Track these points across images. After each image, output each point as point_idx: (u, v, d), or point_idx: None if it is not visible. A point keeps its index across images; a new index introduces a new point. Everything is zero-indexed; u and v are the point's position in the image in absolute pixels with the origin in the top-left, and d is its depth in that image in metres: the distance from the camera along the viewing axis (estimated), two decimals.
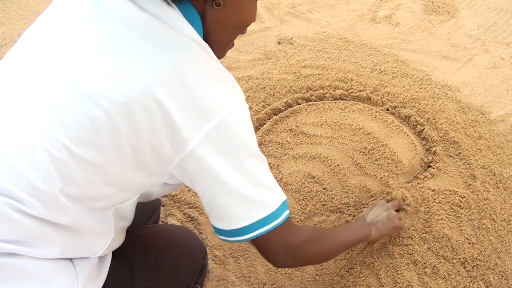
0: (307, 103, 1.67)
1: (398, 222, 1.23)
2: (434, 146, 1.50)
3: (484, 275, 1.22)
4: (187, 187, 1.43)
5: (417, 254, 1.25)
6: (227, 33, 0.75)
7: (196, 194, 1.42)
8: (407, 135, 1.56)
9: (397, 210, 1.29)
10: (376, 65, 1.85)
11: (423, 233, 1.30)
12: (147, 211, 1.16)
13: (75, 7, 0.70)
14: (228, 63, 1.88)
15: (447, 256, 1.25)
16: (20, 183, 0.64)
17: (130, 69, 0.64)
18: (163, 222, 1.36)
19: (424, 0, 2.21)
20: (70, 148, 0.64)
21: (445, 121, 1.59)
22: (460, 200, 1.37)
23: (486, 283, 1.21)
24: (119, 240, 0.82)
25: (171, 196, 1.42)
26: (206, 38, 0.73)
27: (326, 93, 1.70)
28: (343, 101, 1.68)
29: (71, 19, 0.69)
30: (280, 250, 0.80)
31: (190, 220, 1.36)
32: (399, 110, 1.63)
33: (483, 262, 1.24)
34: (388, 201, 1.31)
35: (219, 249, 1.30)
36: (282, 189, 1.38)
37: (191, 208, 1.39)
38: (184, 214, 1.38)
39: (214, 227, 0.77)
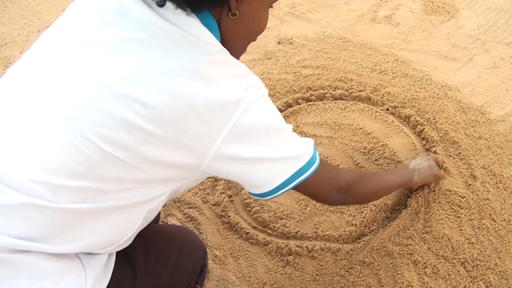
0: (307, 103, 1.67)
1: (438, 171, 1.32)
2: (434, 146, 1.50)
3: (484, 275, 1.22)
4: None
5: (417, 254, 1.25)
6: (241, 41, 0.81)
7: (196, 194, 1.43)
8: (407, 135, 1.56)
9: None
10: (376, 65, 1.85)
11: (423, 233, 1.30)
12: None
13: (94, 12, 0.72)
14: None
15: (447, 256, 1.25)
16: (48, 180, 0.66)
17: (155, 73, 0.67)
18: (163, 222, 1.36)
19: (424, 0, 2.21)
20: (102, 147, 0.67)
21: (445, 121, 1.59)
22: (460, 200, 1.37)
23: (486, 283, 1.21)
24: (130, 241, 0.83)
25: None
26: (222, 45, 0.76)
27: (326, 93, 1.70)
28: (343, 101, 1.68)
29: (91, 24, 0.71)
30: (332, 187, 0.89)
31: (190, 220, 1.36)
32: (399, 110, 1.63)
33: (483, 262, 1.24)
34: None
35: (219, 249, 1.30)
36: None
37: (191, 208, 1.39)
38: (184, 214, 1.38)
39: (254, 194, 0.82)
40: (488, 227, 1.31)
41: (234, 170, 0.75)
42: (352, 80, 1.76)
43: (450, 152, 1.50)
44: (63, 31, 0.74)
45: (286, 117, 1.62)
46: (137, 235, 0.84)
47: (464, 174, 1.44)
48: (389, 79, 1.78)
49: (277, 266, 1.26)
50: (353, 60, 1.88)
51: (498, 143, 1.54)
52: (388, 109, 1.64)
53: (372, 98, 1.67)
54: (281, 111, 1.65)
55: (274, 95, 1.71)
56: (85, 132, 0.66)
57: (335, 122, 1.60)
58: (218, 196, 1.40)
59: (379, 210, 1.35)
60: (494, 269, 1.24)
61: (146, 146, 0.68)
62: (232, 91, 0.70)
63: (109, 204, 0.71)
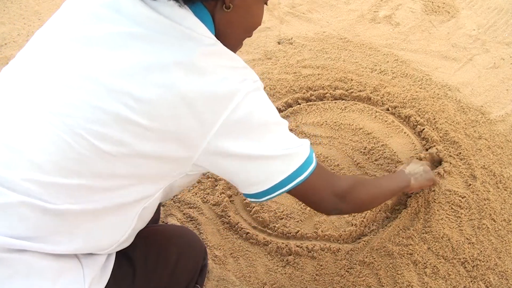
0: (307, 103, 1.67)
1: (433, 176, 1.32)
2: (434, 146, 1.50)
3: (484, 275, 1.22)
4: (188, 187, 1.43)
5: (417, 254, 1.25)
6: (235, 35, 0.79)
7: (196, 194, 1.43)
8: (407, 135, 1.56)
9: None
10: (376, 65, 1.85)
11: (423, 233, 1.30)
12: None
13: (88, 8, 0.72)
14: None
15: (447, 256, 1.25)
16: (41, 179, 0.66)
17: (149, 67, 0.66)
18: (163, 222, 1.36)
19: (424, 0, 2.21)
20: (94, 143, 0.66)
21: (445, 121, 1.59)
22: (460, 200, 1.37)
23: (486, 283, 1.21)
24: (129, 242, 0.83)
25: None
26: (216, 38, 0.76)
27: (326, 93, 1.70)
28: (343, 101, 1.68)
29: (85, 20, 0.71)
30: (329, 194, 0.85)
31: (190, 220, 1.36)
32: (399, 110, 1.63)
33: (483, 262, 1.24)
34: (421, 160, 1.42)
35: (219, 249, 1.30)
36: None
37: (191, 208, 1.39)
38: (184, 214, 1.38)
39: (248, 195, 0.79)
40: (488, 227, 1.31)
41: (226, 165, 0.74)
42: (352, 80, 1.76)
43: (450, 152, 1.50)
44: (56, 28, 0.73)
45: (286, 117, 1.62)
46: (137, 235, 0.84)
47: (464, 174, 1.44)
48: (389, 79, 1.78)
49: (277, 266, 1.26)
50: (353, 60, 1.88)
51: (498, 143, 1.54)
52: (388, 109, 1.65)
53: (372, 98, 1.67)
54: (281, 111, 1.65)
55: (274, 95, 1.71)
56: (76, 128, 0.66)
57: (335, 122, 1.60)
58: (218, 196, 1.40)
59: (379, 210, 1.36)
60: (494, 269, 1.24)
61: (138, 140, 0.67)
62: (227, 83, 0.69)
63: (103, 203, 0.71)
